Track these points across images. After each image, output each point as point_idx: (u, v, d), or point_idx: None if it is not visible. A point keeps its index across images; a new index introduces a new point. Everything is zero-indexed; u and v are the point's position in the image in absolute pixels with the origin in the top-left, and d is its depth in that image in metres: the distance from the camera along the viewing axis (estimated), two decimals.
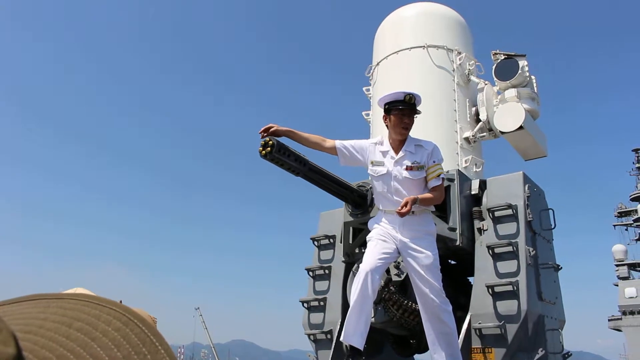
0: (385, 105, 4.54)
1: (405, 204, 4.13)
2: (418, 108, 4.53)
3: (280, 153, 4.41)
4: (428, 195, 4.36)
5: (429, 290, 4.31)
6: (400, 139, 4.47)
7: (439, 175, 4.38)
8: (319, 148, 4.51)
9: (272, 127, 4.35)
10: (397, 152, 4.47)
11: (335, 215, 7.00)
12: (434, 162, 4.40)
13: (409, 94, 4.42)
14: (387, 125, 4.60)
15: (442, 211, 5.88)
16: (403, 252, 4.41)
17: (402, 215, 4.15)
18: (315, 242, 7.11)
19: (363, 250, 5.07)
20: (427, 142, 4.50)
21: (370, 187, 5.81)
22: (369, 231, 4.66)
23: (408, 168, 4.37)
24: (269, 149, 4.33)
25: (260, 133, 4.35)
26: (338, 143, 4.47)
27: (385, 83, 7.33)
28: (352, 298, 4.31)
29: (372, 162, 4.49)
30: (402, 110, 4.39)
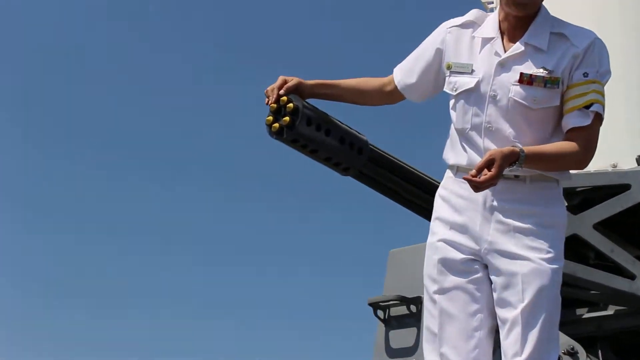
0: None
1: (489, 164, 2.47)
2: None
3: (310, 126, 3.00)
4: (553, 147, 2.64)
5: (525, 348, 2.55)
6: (519, 15, 2.73)
7: (590, 105, 2.62)
8: (377, 99, 3.07)
9: (288, 80, 2.96)
10: (510, 42, 2.76)
11: (418, 256, 4.35)
12: (585, 75, 2.65)
13: None
14: None
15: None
16: (489, 259, 2.66)
17: (476, 187, 2.47)
18: (381, 312, 4.81)
19: None
20: (579, 32, 2.76)
21: None
22: None
23: (525, 81, 2.66)
24: (287, 119, 2.91)
25: (269, 99, 2.94)
26: (397, 73, 3.01)
27: None
28: None
29: (448, 67, 2.83)
30: None
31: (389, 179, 3.72)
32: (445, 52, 2.90)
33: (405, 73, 3.03)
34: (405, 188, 3.75)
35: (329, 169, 3.45)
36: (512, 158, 2.58)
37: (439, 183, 3.17)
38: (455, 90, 2.84)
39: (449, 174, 2.82)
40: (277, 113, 3.05)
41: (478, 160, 2.66)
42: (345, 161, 3.41)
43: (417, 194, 3.81)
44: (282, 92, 2.97)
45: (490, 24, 2.86)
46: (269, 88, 3.02)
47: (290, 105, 2.98)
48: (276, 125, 3.04)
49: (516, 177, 2.69)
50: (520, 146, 2.66)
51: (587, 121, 2.67)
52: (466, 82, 2.82)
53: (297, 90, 3.04)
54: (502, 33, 2.81)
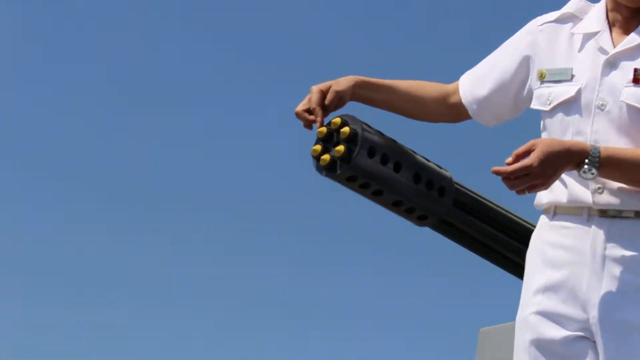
0: None
1: (527, 152, 2.04)
2: None
3: (373, 158, 2.40)
4: None
5: None
6: (632, 6, 2.23)
7: None
8: (435, 112, 2.54)
9: (324, 90, 2.37)
10: (623, 35, 2.29)
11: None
12: None
13: None
14: None
15: None
16: (599, 331, 2.12)
17: (507, 179, 1.99)
18: None
19: None
20: None
21: None
22: None
23: None
24: (341, 148, 2.31)
25: (315, 121, 2.37)
26: (464, 80, 2.52)
27: None
28: None
29: (541, 75, 2.36)
30: None
31: (481, 230, 2.99)
32: (536, 57, 2.44)
33: (474, 82, 2.53)
34: (503, 242, 3.02)
35: (398, 216, 2.77)
36: (575, 156, 2.13)
37: None
38: (550, 104, 2.34)
39: (543, 220, 2.35)
40: (327, 141, 2.47)
41: (585, 195, 2.23)
42: (421, 206, 2.74)
43: (519, 250, 3.06)
44: (327, 102, 2.43)
45: (595, 15, 2.39)
46: (304, 107, 2.51)
47: (346, 129, 2.40)
48: (326, 157, 2.43)
49: (637, 214, 2.20)
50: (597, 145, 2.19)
51: None
52: (564, 91, 2.32)
53: (341, 100, 2.52)
54: (610, 26, 2.36)
